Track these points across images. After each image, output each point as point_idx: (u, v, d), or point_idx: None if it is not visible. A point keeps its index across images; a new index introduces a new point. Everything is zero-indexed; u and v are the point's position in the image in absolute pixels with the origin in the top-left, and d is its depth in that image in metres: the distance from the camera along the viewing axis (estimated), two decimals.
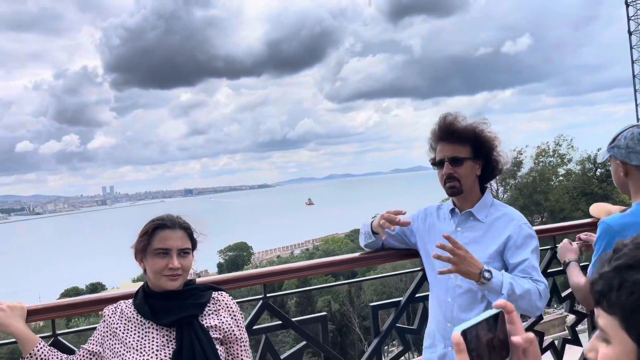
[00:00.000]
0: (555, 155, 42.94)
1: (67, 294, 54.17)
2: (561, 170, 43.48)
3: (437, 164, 2.52)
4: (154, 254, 2.09)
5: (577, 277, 2.61)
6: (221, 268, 74.41)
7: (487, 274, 2.19)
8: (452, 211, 2.59)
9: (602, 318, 0.93)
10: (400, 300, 3.05)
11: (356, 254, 2.96)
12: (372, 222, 2.63)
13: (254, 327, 2.68)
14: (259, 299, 2.71)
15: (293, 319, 2.80)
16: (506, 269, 2.40)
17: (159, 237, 2.10)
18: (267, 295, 2.70)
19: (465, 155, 2.45)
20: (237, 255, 78.24)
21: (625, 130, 2.35)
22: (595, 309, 0.95)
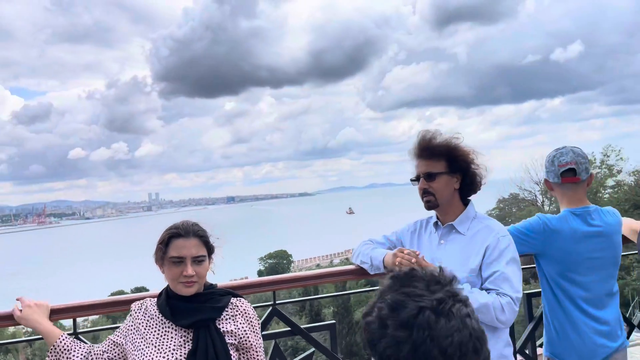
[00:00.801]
0: (603, 166, 41.41)
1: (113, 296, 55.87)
2: (610, 182, 41.84)
3: (416, 179, 2.63)
4: (170, 262, 2.19)
5: None
6: (261, 275, 75.12)
7: None
8: (436, 224, 2.67)
9: None
10: None
11: None
12: (384, 257, 2.62)
13: (263, 333, 2.78)
14: (268, 306, 2.82)
15: (302, 326, 2.89)
16: None
17: (174, 246, 2.20)
18: (277, 302, 2.80)
19: (440, 170, 2.55)
20: (277, 263, 78.85)
21: (551, 151, 2.88)
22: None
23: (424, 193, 2.60)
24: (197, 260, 2.19)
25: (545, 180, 2.96)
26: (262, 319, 2.79)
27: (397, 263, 2.49)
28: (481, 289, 2.45)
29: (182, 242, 2.20)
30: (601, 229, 2.81)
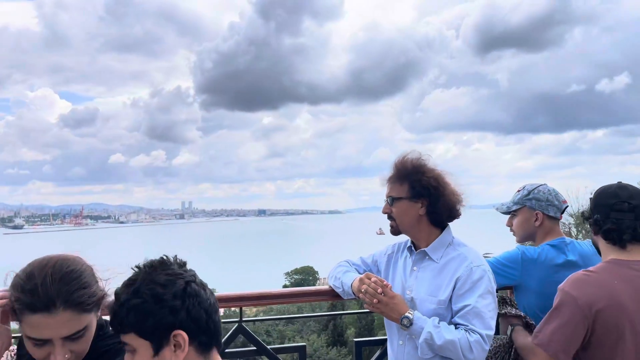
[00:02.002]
0: None
1: None
2: None
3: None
4: (28, 339, 1.52)
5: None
6: None
7: (405, 321, 2.23)
8: (410, 249, 2.51)
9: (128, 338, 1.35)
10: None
11: None
12: (352, 283, 2.45)
13: (227, 350, 2.65)
14: (234, 322, 2.69)
15: (270, 347, 2.74)
16: None
17: (30, 322, 1.48)
18: (243, 319, 2.67)
19: (400, 194, 2.42)
20: (303, 279, 78.52)
21: (540, 186, 2.83)
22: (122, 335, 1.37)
23: (387, 217, 2.48)
24: (73, 338, 1.51)
25: (539, 213, 2.81)
26: (227, 336, 2.67)
27: (362, 290, 2.34)
28: (450, 323, 2.27)
29: (43, 320, 1.46)
30: (576, 260, 2.68)
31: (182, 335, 1.33)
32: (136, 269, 1.42)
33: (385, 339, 2.91)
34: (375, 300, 2.28)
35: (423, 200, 2.39)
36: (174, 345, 1.33)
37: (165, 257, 1.44)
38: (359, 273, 2.56)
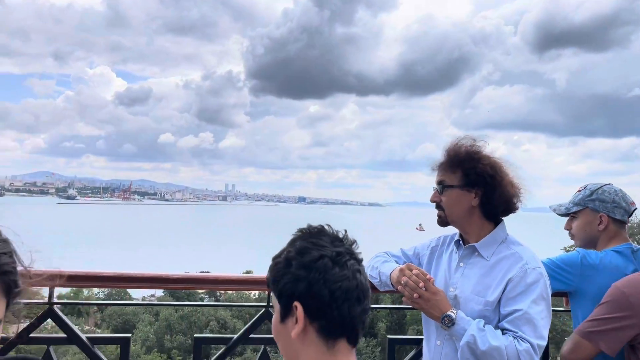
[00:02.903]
0: None
1: None
2: None
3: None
4: None
5: None
6: None
7: (446, 320, 2.05)
8: (458, 243, 2.28)
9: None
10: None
11: None
12: (391, 273, 2.26)
13: (252, 336, 2.52)
14: (261, 307, 2.55)
15: None
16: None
17: None
18: (270, 304, 2.53)
19: (452, 182, 2.18)
20: None
21: (604, 186, 2.54)
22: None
23: (436, 206, 2.25)
24: None
25: (606, 216, 2.52)
26: (253, 320, 2.54)
27: (402, 282, 2.14)
28: (496, 327, 2.04)
29: None
30: None
31: (299, 308, 1.22)
32: (299, 232, 1.33)
33: (421, 339, 2.71)
34: (415, 295, 2.09)
35: (477, 190, 2.15)
36: (296, 318, 1.22)
37: (326, 226, 1.34)
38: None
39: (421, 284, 2.09)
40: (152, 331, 34.23)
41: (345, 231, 1.34)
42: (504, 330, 2.01)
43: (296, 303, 1.22)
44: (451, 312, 2.05)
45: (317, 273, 1.21)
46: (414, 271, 2.14)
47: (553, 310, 2.84)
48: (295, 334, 1.22)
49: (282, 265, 1.27)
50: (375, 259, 2.44)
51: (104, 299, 40.74)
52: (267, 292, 2.59)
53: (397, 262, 2.39)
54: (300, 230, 1.33)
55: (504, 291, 2.05)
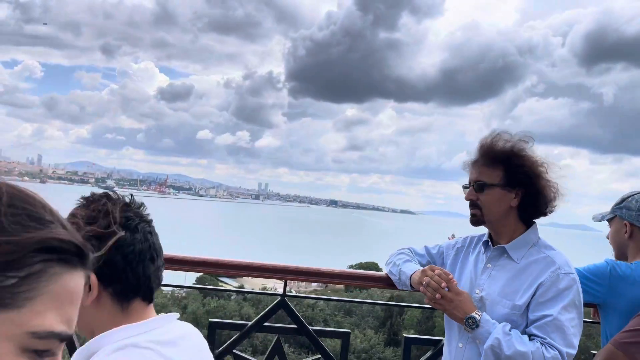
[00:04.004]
0: None
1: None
2: None
3: (467, 187, 2.17)
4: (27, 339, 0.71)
5: None
6: None
7: (470, 322, 1.98)
8: (486, 243, 2.18)
9: None
10: (441, 340, 2.63)
11: None
12: (412, 274, 2.18)
13: (266, 324, 2.50)
14: (277, 295, 2.53)
15: (312, 328, 2.56)
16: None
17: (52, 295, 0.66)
18: (286, 293, 2.50)
19: (493, 180, 2.06)
20: None
21: (637, 194, 2.43)
22: None
23: (471, 205, 2.13)
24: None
25: (629, 224, 2.42)
26: (267, 309, 2.52)
27: (424, 282, 2.06)
28: (523, 332, 1.98)
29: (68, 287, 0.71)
30: None
31: (92, 277, 1.18)
32: (83, 200, 1.28)
33: (439, 340, 2.64)
34: (438, 296, 2.01)
35: (518, 190, 2.06)
36: (89, 286, 1.19)
37: (110, 192, 1.31)
38: (421, 265, 2.28)
39: (443, 284, 2.02)
40: None
41: (132, 195, 1.32)
42: (531, 336, 1.95)
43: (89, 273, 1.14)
44: (475, 313, 1.98)
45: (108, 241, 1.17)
46: (436, 271, 2.06)
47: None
48: (90, 301, 1.19)
49: None
50: (398, 256, 2.36)
51: None
52: (283, 281, 2.57)
53: (419, 262, 2.32)
54: (84, 198, 1.28)
55: (533, 295, 1.99)
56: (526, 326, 1.99)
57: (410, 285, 2.18)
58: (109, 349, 1.13)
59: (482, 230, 2.23)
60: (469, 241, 2.30)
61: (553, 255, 2.04)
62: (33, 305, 0.61)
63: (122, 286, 1.22)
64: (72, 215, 1.22)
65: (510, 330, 1.94)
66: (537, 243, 2.10)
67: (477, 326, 1.96)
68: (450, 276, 2.05)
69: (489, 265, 2.12)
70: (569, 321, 1.93)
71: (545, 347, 1.89)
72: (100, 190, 1.30)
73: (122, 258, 1.20)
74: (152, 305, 1.29)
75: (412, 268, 2.20)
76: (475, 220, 2.14)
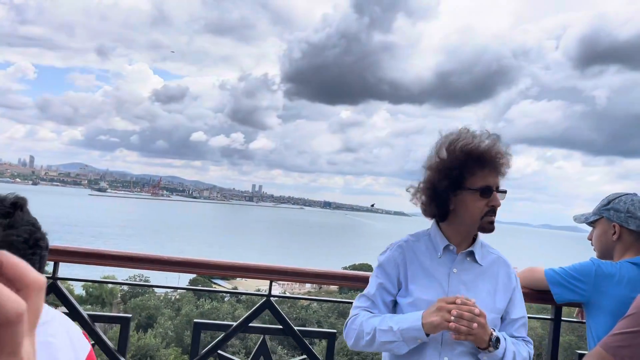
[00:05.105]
0: None
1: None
2: None
3: (484, 190, 1.96)
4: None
5: None
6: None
7: (494, 340, 1.87)
8: (447, 247, 2.06)
9: None
10: None
11: None
12: (425, 320, 1.86)
13: (251, 325, 2.50)
14: (262, 296, 2.53)
15: (297, 328, 2.56)
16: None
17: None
18: (272, 294, 2.51)
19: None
20: None
21: (623, 195, 2.44)
22: None
23: (493, 212, 1.99)
24: None
25: (618, 226, 2.43)
26: (252, 309, 2.52)
27: (453, 317, 1.81)
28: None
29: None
30: None
31: None
32: None
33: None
34: (474, 325, 1.80)
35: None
36: None
37: None
38: (385, 305, 2.05)
39: (477, 310, 1.82)
40: (172, 326, 34.65)
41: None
42: (513, 338, 2.02)
43: None
44: (493, 330, 1.89)
45: None
46: (458, 300, 1.85)
47: (565, 321, 2.75)
48: None
49: None
50: (368, 322, 1.98)
51: (127, 290, 41.54)
52: (268, 282, 2.57)
53: (383, 303, 2.05)
54: None
55: (510, 297, 2.06)
56: (501, 328, 2.02)
57: (425, 330, 1.86)
58: None
59: (399, 234, 2.19)
60: (406, 249, 2.08)
61: (502, 255, 2.12)
62: None
63: None
64: None
65: (511, 339, 1.97)
66: (483, 243, 2.11)
67: (499, 342, 1.88)
68: (473, 300, 1.86)
69: (454, 270, 2.02)
70: None
71: (527, 344, 2.02)
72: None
73: None
74: None
75: (413, 319, 1.90)
76: (493, 228, 2.03)
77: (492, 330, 1.87)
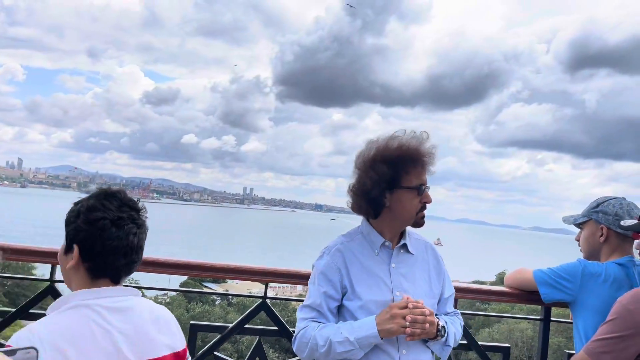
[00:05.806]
0: None
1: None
2: None
3: (417, 188, 2.02)
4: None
5: None
6: None
7: (443, 331, 1.99)
8: (383, 244, 2.08)
9: None
10: None
11: None
12: (380, 328, 1.91)
13: (247, 326, 2.54)
14: (258, 298, 2.56)
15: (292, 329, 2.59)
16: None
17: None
18: (267, 296, 2.54)
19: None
20: None
21: (612, 199, 2.51)
22: None
23: (424, 208, 2.06)
24: None
25: (606, 228, 2.48)
26: (248, 311, 2.55)
27: (408, 322, 1.89)
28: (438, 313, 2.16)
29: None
30: None
31: (76, 250, 1.52)
32: (99, 190, 1.59)
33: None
34: (427, 325, 1.91)
35: None
36: (73, 255, 1.52)
37: (122, 192, 1.60)
38: (330, 313, 2.04)
39: (427, 311, 1.93)
40: None
41: (138, 199, 1.62)
42: (446, 313, 2.19)
43: (75, 245, 1.51)
44: (438, 319, 2.00)
45: (96, 230, 1.50)
46: (410, 305, 1.92)
47: (555, 321, 2.81)
48: (69, 267, 1.54)
49: (74, 214, 1.55)
50: (321, 332, 1.98)
51: None
52: (264, 284, 2.61)
53: (330, 311, 2.05)
54: (100, 189, 1.59)
55: (443, 280, 2.18)
56: (438, 308, 2.14)
57: (381, 337, 1.91)
58: (67, 306, 1.47)
59: (324, 239, 2.24)
60: (344, 250, 2.09)
61: (422, 236, 2.22)
62: None
63: (95, 265, 1.53)
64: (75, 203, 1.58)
65: (446, 322, 2.07)
66: (409, 231, 2.15)
67: (446, 330, 2.00)
68: (421, 301, 1.96)
69: (393, 265, 2.06)
70: None
71: (458, 316, 2.21)
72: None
73: (100, 246, 1.50)
74: (120, 285, 1.58)
75: (367, 325, 1.94)
76: (423, 223, 2.11)
77: (438, 320, 1.97)
